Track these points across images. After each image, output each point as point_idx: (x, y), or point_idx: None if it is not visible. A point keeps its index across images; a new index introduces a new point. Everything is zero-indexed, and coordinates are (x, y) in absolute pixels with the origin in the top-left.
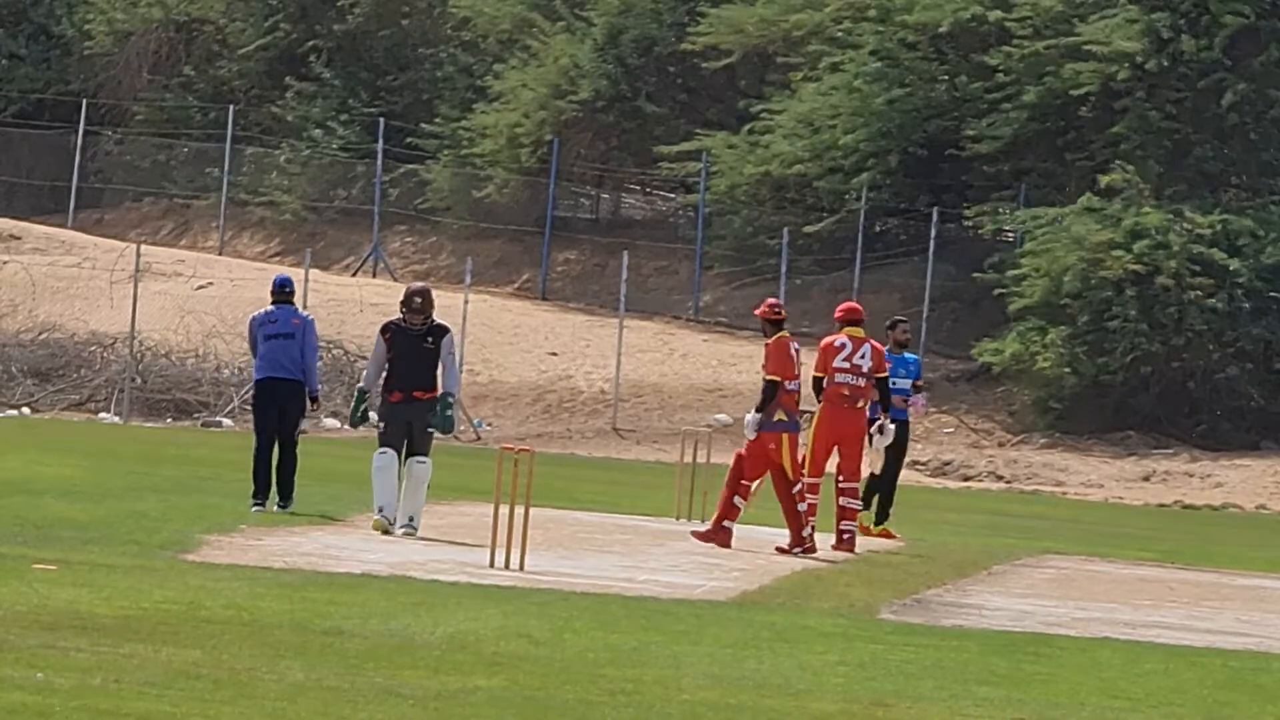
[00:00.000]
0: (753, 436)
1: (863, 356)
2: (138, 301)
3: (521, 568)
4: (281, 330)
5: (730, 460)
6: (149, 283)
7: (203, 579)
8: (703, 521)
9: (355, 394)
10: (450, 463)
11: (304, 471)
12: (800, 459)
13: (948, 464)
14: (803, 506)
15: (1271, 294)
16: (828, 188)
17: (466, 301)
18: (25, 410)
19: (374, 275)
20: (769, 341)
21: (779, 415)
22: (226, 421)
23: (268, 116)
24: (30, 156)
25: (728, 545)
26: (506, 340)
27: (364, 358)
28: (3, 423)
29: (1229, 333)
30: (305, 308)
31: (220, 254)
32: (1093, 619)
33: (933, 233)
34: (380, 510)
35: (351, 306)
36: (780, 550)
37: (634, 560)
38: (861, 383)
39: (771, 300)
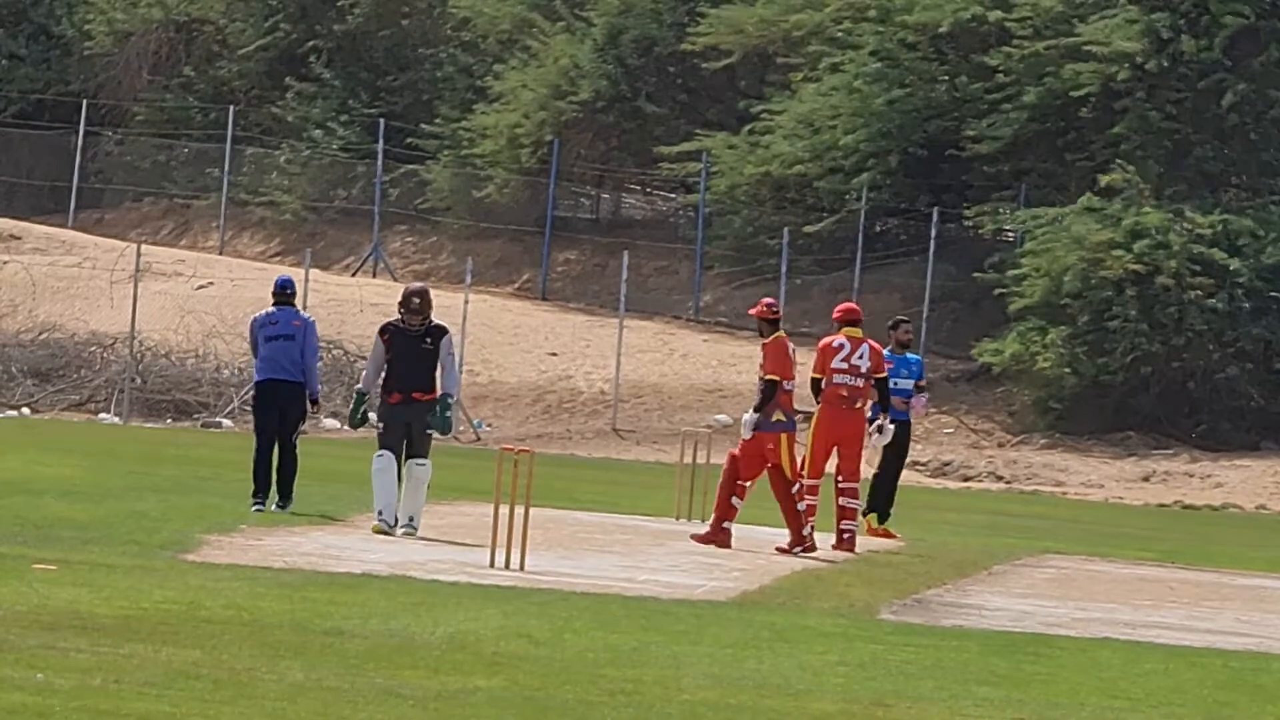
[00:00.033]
0: (749, 436)
1: (861, 357)
2: (138, 301)
3: (521, 568)
4: (282, 332)
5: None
6: (149, 283)
7: (203, 579)
8: (702, 522)
9: (354, 395)
10: (450, 463)
11: (304, 471)
12: (800, 460)
13: (948, 464)
14: (802, 506)
15: (1271, 294)
16: (828, 188)
17: (466, 301)
18: (25, 410)
19: (374, 275)
20: (766, 341)
21: (777, 415)
22: (226, 422)
23: (268, 117)
24: (30, 157)
25: (728, 546)
26: (506, 340)
27: (364, 358)
28: (3, 423)
29: (1229, 333)
30: (305, 308)
31: (220, 254)
32: (1093, 619)
33: (933, 233)
34: (380, 514)
35: (351, 306)
36: (780, 550)
37: (634, 560)
38: (860, 383)
39: (768, 300)
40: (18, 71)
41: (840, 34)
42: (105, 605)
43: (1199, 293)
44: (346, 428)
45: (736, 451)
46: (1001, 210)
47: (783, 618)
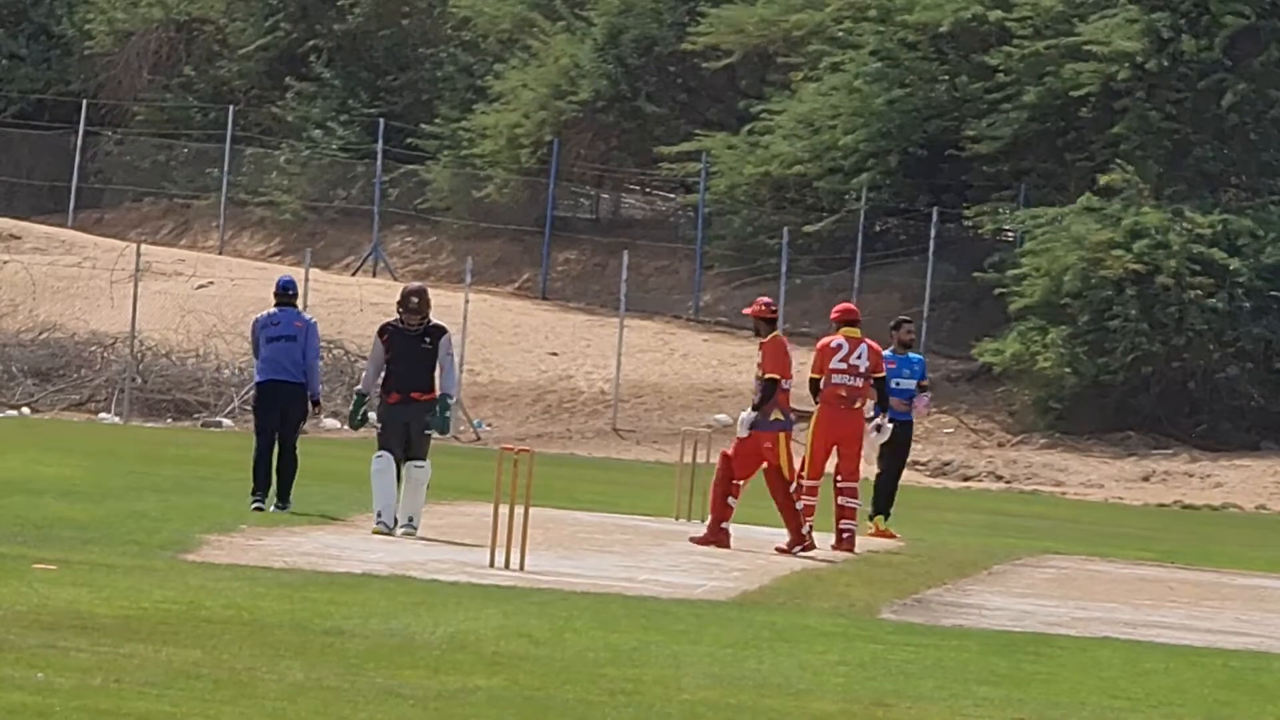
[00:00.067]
0: (746, 435)
1: (859, 357)
2: (138, 301)
3: (521, 568)
4: (284, 333)
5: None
6: (149, 282)
7: (203, 579)
8: (702, 522)
9: (354, 397)
10: (450, 463)
11: (304, 471)
12: (800, 460)
13: (948, 464)
14: (800, 505)
15: (1271, 294)
16: (828, 188)
17: (467, 301)
18: (25, 410)
19: (374, 275)
20: (764, 340)
21: (775, 414)
22: (227, 421)
23: (268, 117)
24: (30, 156)
25: (727, 546)
26: (507, 340)
27: (364, 358)
28: (3, 423)
29: (1229, 332)
30: (305, 308)
31: (220, 254)
32: (1093, 619)
33: (933, 233)
34: (379, 516)
35: (351, 306)
36: (780, 551)
37: (634, 560)
38: (859, 383)
39: (765, 299)
40: (18, 71)
41: (840, 34)
42: (105, 605)
43: (1199, 293)
44: (346, 428)
45: (729, 451)
46: (1001, 210)
47: (783, 617)
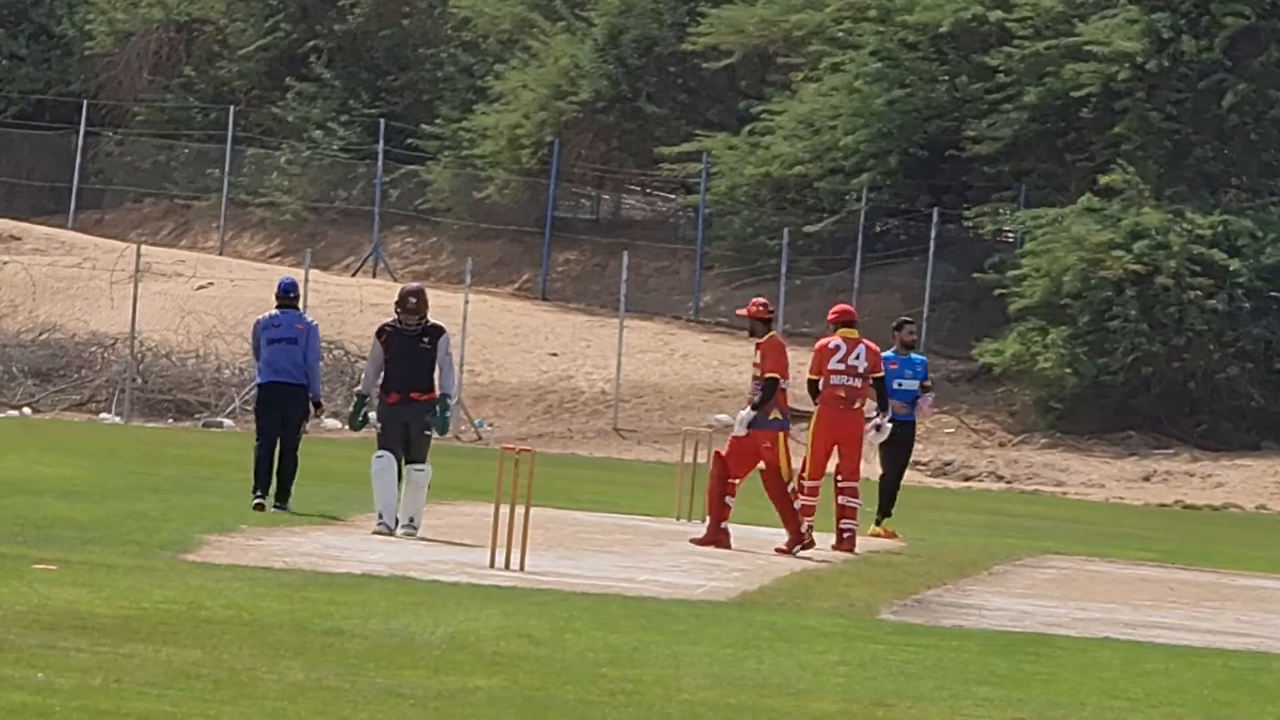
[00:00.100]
0: (744, 434)
1: (858, 357)
2: (138, 302)
3: (522, 568)
4: (285, 335)
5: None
6: (149, 283)
7: (203, 579)
8: (702, 522)
9: (354, 398)
10: (450, 463)
11: (304, 471)
12: (800, 461)
13: (948, 464)
14: (798, 504)
15: (1272, 294)
16: (828, 188)
17: (467, 302)
18: (26, 410)
19: (374, 275)
20: (761, 340)
21: (773, 414)
22: (227, 422)
23: (268, 117)
24: (31, 157)
25: (728, 546)
26: (507, 340)
27: (364, 358)
28: (3, 423)
29: (1229, 333)
30: (305, 308)
31: (220, 254)
32: (1093, 619)
33: (933, 233)
34: (380, 517)
35: (352, 307)
36: (780, 551)
37: (634, 560)
38: (857, 383)
39: (761, 300)
40: (18, 71)
41: (841, 34)
42: (105, 605)
43: (1199, 293)
44: (347, 428)
45: (723, 451)
46: (1001, 210)
47: (783, 618)
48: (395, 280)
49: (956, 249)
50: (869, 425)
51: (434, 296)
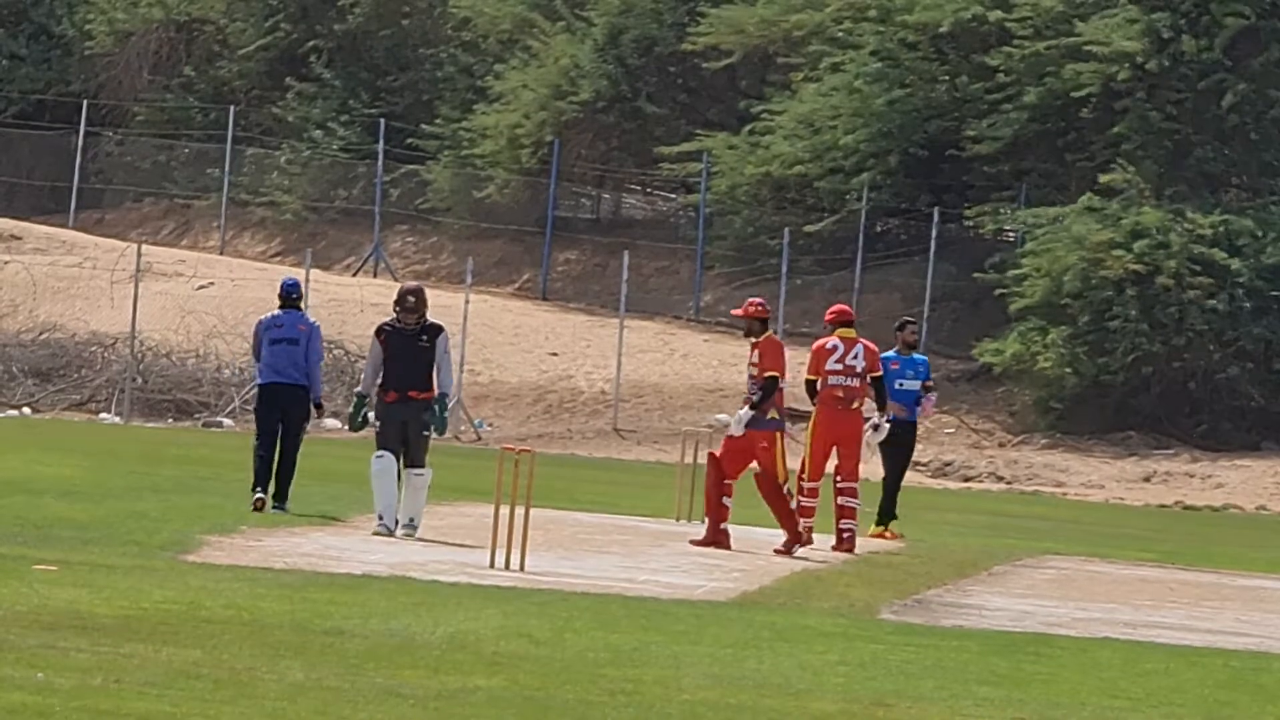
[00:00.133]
0: (740, 434)
1: (855, 357)
2: (138, 301)
3: (522, 568)
4: (287, 335)
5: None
6: (150, 283)
7: (203, 579)
8: (702, 522)
9: (354, 399)
10: (450, 463)
11: (304, 471)
12: (799, 461)
13: (948, 464)
14: (794, 504)
15: (1272, 294)
16: (828, 188)
17: (467, 301)
18: (26, 410)
19: (374, 275)
20: (759, 340)
21: (771, 413)
22: (227, 421)
23: (268, 117)
24: (31, 157)
25: (728, 546)
26: (507, 340)
27: (364, 358)
28: (3, 423)
29: (1229, 333)
30: (306, 308)
31: (221, 254)
32: (1093, 619)
33: (933, 233)
34: (380, 519)
35: (352, 307)
36: (778, 552)
37: (634, 561)
38: (855, 384)
39: (758, 300)
40: (18, 71)
41: (841, 34)
42: (105, 605)
43: (1199, 293)
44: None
45: (717, 452)
46: (1002, 210)
47: (783, 618)
48: (396, 280)
49: (957, 249)
50: (867, 425)
51: (434, 296)
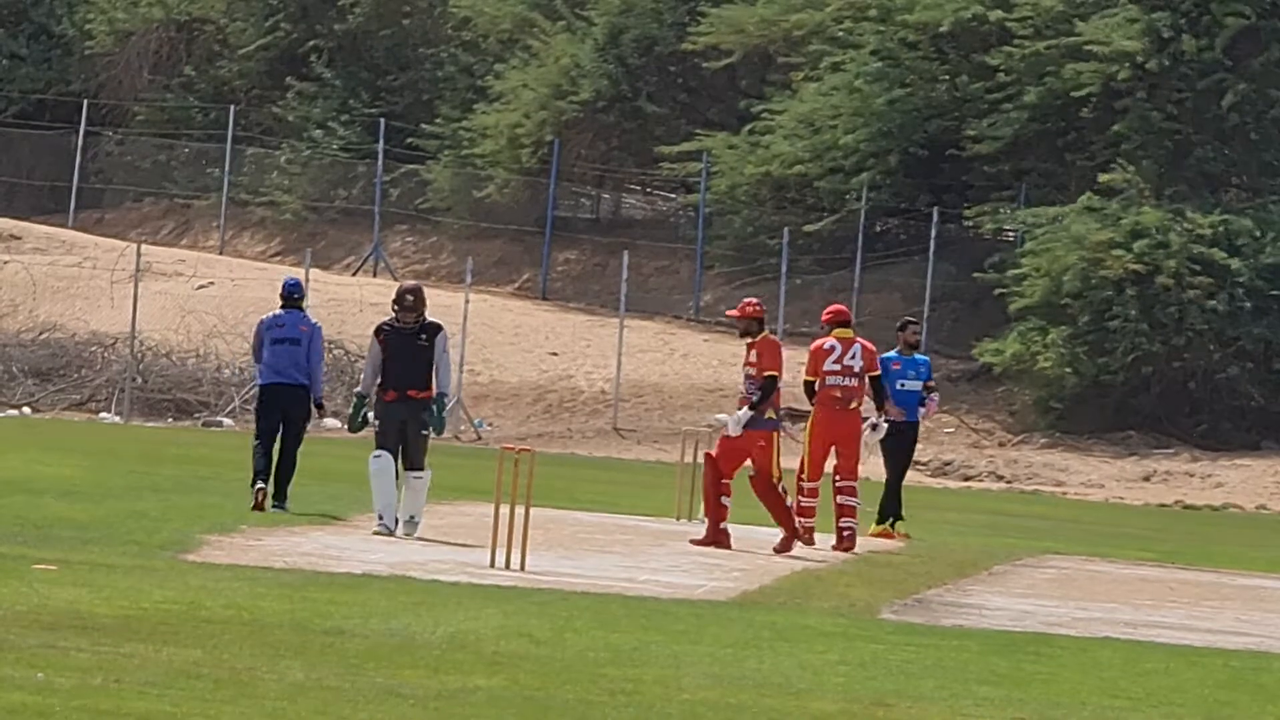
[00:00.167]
0: (737, 433)
1: (853, 357)
2: (138, 301)
3: (522, 568)
4: (288, 335)
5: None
6: (149, 282)
7: (203, 579)
8: (702, 522)
9: (354, 399)
10: (450, 463)
11: (304, 471)
12: (798, 462)
13: (948, 464)
14: (790, 502)
15: (1272, 294)
16: (828, 188)
17: (467, 301)
18: (26, 410)
19: (374, 275)
20: (756, 340)
21: (769, 413)
22: (227, 421)
23: (268, 117)
24: (31, 156)
25: (729, 546)
26: (507, 340)
27: (364, 358)
28: (3, 423)
29: (1229, 332)
30: (306, 307)
31: (221, 254)
32: (1093, 619)
33: (933, 233)
34: (380, 518)
35: (352, 306)
36: (778, 551)
37: (634, 560)
38: (853, 383)
39: (754, 300)
40: (18, 71)
41: (841, 33)
42: (105, 605)
43: (1199, 292)
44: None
45: (714, 451)
46: (1002, 210)
47: (783, 617)
48: (396, 279)
49: (956, 248)
50: (866, 424)
51: (434, 296)
